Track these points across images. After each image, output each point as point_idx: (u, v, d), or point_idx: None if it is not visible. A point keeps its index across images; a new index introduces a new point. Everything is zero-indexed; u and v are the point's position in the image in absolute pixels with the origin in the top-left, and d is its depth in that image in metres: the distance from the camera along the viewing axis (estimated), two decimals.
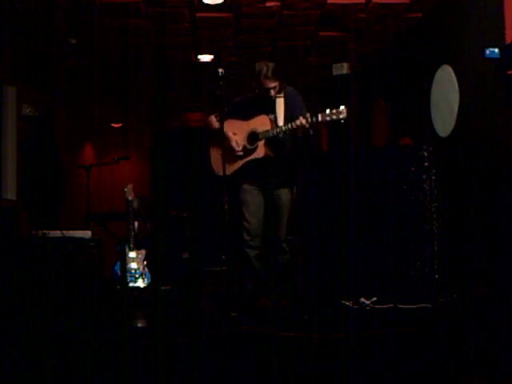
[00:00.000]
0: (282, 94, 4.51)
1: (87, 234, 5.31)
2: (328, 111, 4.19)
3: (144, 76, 7.79)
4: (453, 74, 5.01)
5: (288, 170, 4.63)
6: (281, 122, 4.47)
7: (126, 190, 5.58)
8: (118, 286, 5.32)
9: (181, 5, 5.48)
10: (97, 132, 9.78)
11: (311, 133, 4.35)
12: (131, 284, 5.36)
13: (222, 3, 5.42)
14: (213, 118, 4.55)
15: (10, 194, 6.30)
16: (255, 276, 4.57)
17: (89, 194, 6.84)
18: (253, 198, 4.56)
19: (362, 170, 5.17)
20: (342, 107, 4.18)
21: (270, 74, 4.37)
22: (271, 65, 4.41)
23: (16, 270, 4.74)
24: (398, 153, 5.15)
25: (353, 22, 5.90)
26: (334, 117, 4.19)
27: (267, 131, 4.41)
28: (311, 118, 4.22)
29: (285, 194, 4.59)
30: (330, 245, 5.21)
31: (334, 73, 6.80)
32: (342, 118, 4.18)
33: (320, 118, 4.21)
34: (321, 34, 6.28)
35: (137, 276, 5.39)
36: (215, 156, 4.60)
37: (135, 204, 5.61)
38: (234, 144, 4.48)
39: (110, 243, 5.87)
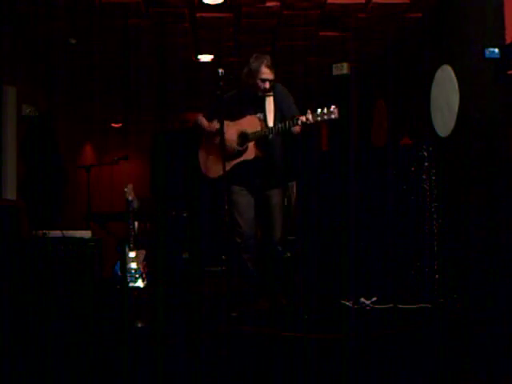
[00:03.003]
0: (271, 92, 4.46)
1: (87, 233, 5.30)
2: (319, 111, 4.13)
3: (144, 76, 7.79)
4: (453, 74, 5.01)
5: (279, 170, 4.58)
6: (270, 122, 4.41)
7: (126, 189, 5.57)
8: (118, 286, 5.32)
9: (181, 5, 5.48)
10: (97, 132, 9.78)
11: (295, 132, 4.30)
12: (131, 284, 5.36)
13: (222, 3, 5.42)
14: (203, 119, 4.52)
15: (10, 194, 6.29)
16: (250, 278, 4.54)
17: (89, 194, 6.84)
18: (241, 199, 4.50)
19: (362, 170, 5.17)
20: (332, 107, 4.10)
21: (270, 64, 4.36)
22: (269, 57, 4.43)
23: (16, 270, 4.73)
24: (398, 153, 5.15)
25: (353, 22, 5.90)
26: (326, 117, 4.12)
27: (256, 132, 4.37)
28: (301, 120, 4.17)
29: (276, 195, 4.53)
30: (330, 245, 5.21)
31: (334, 73, 6.80)
32: (334, 118, 4.12)
33: (311, 119, 4.13)
34: (321, 33, 6.28)
35: (137, 276, 5.39)
36: (204, 158, 4.58)
37: (135, 204, 5.60)
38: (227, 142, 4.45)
39: (110, 243, 5.87)
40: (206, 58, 7.07)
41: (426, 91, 5.51)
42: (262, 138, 4.36)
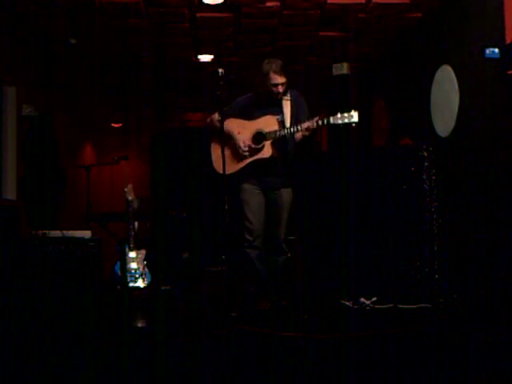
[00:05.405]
0: (288, 97, 4.51)
1: (87, 234, 5.31)
2: (339, 115, 4.22)
3: (144, 76, 7.79)
4: (453, 74, 5.01)
5: (291, 170, 4.63)
6: (287, 124, 4.47)
7: (126, 189, 5.57)
8: (118, 286, 5.32)
9: (181, 5, 5.48)
10: (97, 132, 9.78)
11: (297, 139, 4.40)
12: (131, 284, 5.36)
13: (222, 3, 5.43)
14: (216, 117, 4.53)
15: (10, 194, 6.29)
16: (255, 277, 4.56)
17: (89, 194, 6.83)
18: (254, 198, 4.56)
19: (362, 170, 5.17)
20: (353, 111, 4.21)
21: (278, 69, 4.41)
22: (279, 61, 4.46)
23: (16, 270, 4.73)
24: (398, 153, 5.15)
25: (353, 22, 5.90)
26: (346, 120, 4.22)
27: (274, 132, 4.40)
28: (322, 121, 4.24)
29: (286, 194, 4.58)
30: (329, 245, 5.21)
31: (334, 73, 6.80)
32: (353, 122, 4.21)
33: (332, 121, 4.24)
34: (321, 33, 6.29)
35: (137, 276, 5.39)
36: (217, 154, 4.59)
37: (135, 204, 5.60)
38: (240, 143, 4.47)
39: (110, 243, 5.87)
40: (205, 57, 7.07)
41: (426, 91, 5.51)
42: (280, 138, 4.40)
